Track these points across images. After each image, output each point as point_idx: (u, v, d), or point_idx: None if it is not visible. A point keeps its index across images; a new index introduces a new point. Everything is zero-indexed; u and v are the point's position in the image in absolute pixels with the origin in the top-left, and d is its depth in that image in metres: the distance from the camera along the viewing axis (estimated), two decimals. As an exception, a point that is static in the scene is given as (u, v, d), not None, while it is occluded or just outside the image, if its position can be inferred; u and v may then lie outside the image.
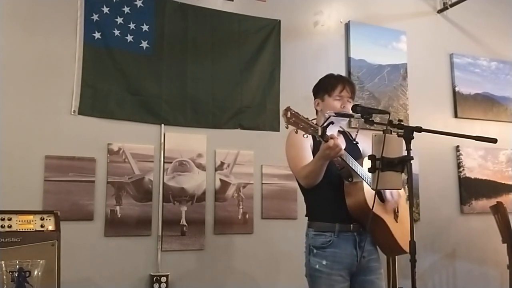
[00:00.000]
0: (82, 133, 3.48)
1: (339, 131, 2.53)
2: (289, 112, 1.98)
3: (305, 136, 2.04)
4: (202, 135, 3.83)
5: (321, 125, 2.06)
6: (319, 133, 2.03)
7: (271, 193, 3.97)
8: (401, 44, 4.68)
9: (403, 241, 2.34)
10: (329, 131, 2.10)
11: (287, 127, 2.02)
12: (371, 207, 2.14)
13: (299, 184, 2.44)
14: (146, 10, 3.78)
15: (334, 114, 2.27)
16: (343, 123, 2.55)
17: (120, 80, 3.64)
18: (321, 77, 2.59)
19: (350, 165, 2.23)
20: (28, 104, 3.37)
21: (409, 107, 4.60)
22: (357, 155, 2.40)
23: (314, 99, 2.55)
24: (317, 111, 2.53)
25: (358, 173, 2.26)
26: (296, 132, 2.03)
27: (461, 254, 4.66)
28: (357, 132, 2.57)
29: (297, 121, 2.00)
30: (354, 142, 2.55)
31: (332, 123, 2.16)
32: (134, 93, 3.67)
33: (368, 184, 2.25)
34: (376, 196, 2.24)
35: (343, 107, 2.42)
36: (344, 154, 2.18)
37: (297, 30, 4.29)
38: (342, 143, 2.28)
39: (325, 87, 2.50)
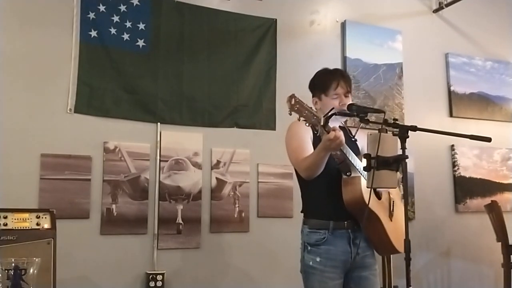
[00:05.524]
0: (78, 132, 3.47)
1: (339, 126, 2.50)
2: (293, 99, 1.98)
3: (307, 124, 2.03)
4: (198, 134, 3.83)
5: (324, 116, 2.04)
6: (321, 123, 2.01)
7: (267, 192, 3.98)
8: (396, 44, 4.69)
9: (397, 240, 2.34)
10: (331, 125, 2.07)
11: (290, 114, 2.01)
12: (367, 202, 2.13)
13: (298, 177, 2.43)
14: (143, 8, 3.78)
15: (337, 112, 2.24)
16: (343, 120, 2.51)
17: (116, 78, 3.64)
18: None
19: (350, 158, 2.22)
20: (24, 102, 3.37)
21: (404, 106, 4.62)
22: (356, 152, 2.38)
23: (312, 97, 2.52)
24: (316, 109, 2.51)
25: (357, 167, 2.25)
26: (299, 120, 2.02)
27: (455, 252, 4.68)
28: (357, 130, 2.54)
29: (300, 108, 1.99)
30: (353, 139, 2.52)
31: (335, 114, 2.15)
32: (130, 91, 3.67)
33: (366, 179, 2.24)
34: (373, 192, 2.25)
35: (342, 104, 2.38)
36: (344, 147, 2.17)
37: (293, 29, 4.30)
38: None
39: (320, 86, 2.47)
